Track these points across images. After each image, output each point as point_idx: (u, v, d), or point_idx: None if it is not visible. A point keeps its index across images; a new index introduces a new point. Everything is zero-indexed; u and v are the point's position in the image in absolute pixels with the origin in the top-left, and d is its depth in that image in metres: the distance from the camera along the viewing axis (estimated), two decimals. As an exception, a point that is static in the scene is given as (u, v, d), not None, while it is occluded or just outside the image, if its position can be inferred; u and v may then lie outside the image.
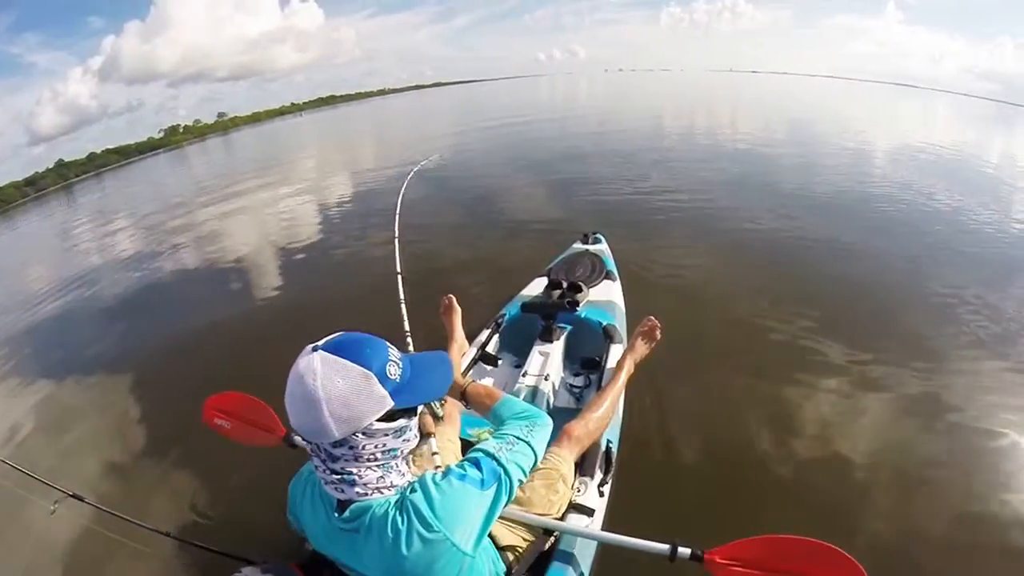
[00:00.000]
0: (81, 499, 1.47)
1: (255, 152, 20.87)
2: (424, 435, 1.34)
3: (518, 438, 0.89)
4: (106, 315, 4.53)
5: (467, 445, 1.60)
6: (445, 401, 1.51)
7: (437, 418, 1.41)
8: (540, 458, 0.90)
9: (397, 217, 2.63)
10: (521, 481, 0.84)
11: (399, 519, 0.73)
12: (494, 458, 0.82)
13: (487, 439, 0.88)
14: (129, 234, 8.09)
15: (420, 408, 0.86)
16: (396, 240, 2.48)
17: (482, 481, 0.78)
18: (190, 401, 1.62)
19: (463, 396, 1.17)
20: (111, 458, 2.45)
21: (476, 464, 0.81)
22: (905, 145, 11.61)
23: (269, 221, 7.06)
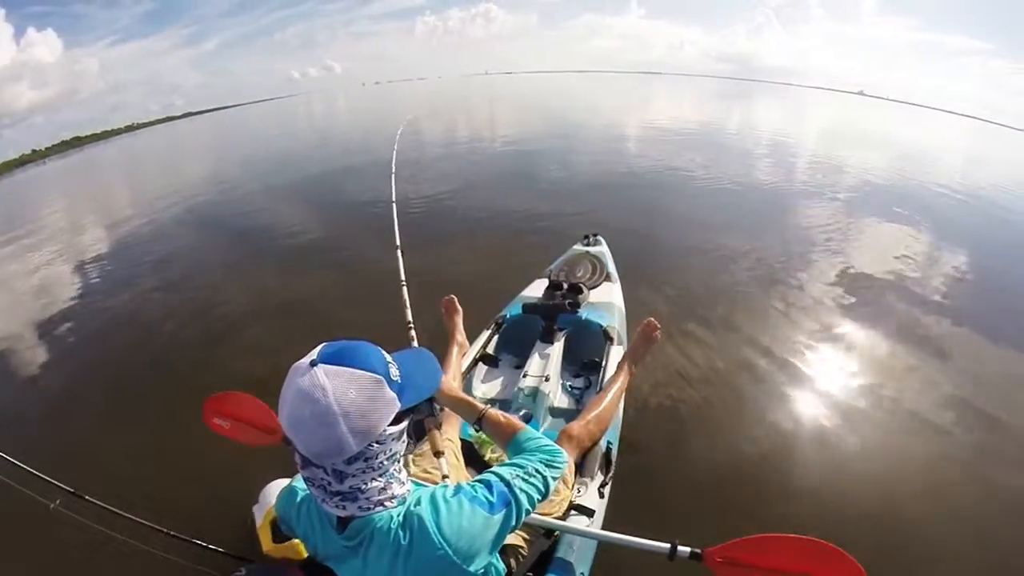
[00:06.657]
0: (81, 496, 1.47)
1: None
2: (436, 453, 1.31)
3: (537, 471, 0.85)
4: (104, 306, 4.52)
5: (467, 445, 1.60)
6: (443, 409, 1.45)
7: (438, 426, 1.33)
8: (549, 496, 0.88)
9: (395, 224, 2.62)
10: (529, 512, 0.82)
11: (401, 534, 0.71)
12: (508, 484, 0.80)
13: (497, 455, 0.82)
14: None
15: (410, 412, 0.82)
16: (398, 246, 2.48)
17: (491, 505, 0.76)
18: (190, 400, 1.62)
19: (479, 422, 1.10)
20: (111, 456, 2.45)
21: (488, 487, 0.79)
22: (655, 125, 12.61)
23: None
